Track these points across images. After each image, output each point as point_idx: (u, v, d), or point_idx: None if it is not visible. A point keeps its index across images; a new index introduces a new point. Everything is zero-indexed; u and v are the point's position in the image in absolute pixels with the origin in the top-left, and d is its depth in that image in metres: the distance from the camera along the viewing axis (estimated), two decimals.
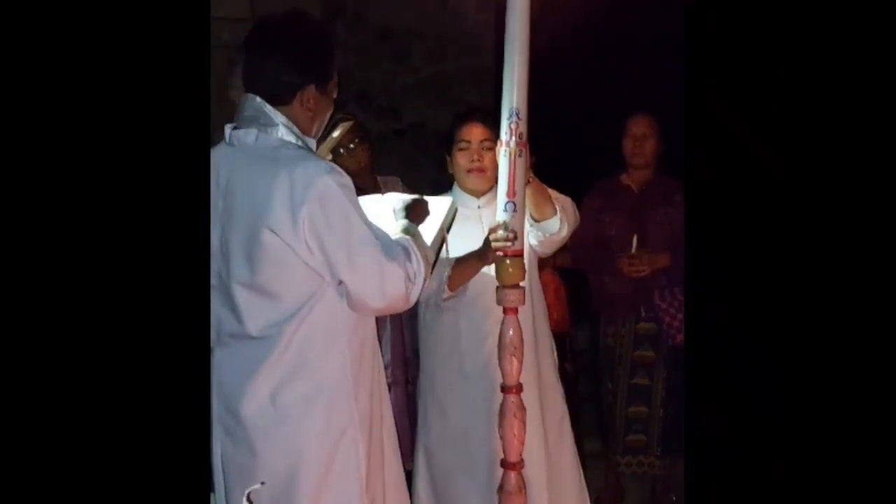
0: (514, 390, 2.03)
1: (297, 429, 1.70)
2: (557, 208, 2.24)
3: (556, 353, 2.48)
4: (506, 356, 2.03)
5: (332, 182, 1.65)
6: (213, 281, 1.76)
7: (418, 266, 1.74)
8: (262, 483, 1.55)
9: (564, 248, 2.63)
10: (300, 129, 1.75)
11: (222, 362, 1.75)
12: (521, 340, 2.03)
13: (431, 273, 1.82)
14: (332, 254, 1.65)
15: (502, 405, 2.04)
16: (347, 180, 1.70)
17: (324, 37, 1.80)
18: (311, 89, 1.74)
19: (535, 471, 2.23)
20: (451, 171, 2.39)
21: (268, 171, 1.66)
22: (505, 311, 2.04)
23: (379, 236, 1.72)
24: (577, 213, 2.35)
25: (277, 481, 1.68)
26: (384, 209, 1.96)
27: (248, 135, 1.72)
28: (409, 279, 1.71)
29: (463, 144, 2.33)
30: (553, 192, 2.27)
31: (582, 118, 4.54)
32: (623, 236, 3.04)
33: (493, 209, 2.13)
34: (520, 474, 2.04)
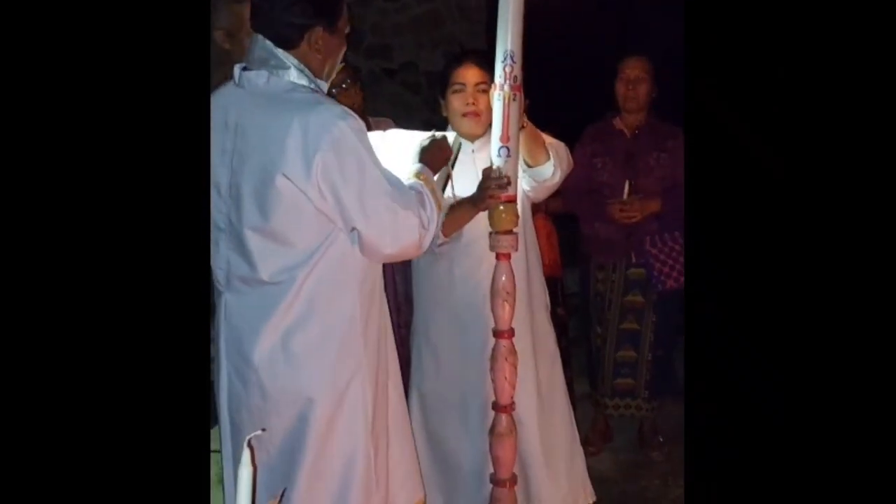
0: (505, 335, 2.06)
1: (308, 373, 1.73)
2: (551, 154, 2.23)
3: (548, 298, 2.49)
4: (498, 301, 2.04)
5: (346, 127, 1.64)
6: (223, 224, 1.76)
7: (431, 212, 1.75)
8: (263, 430, 1.58)
9: (557, 193, 2.62)
10: (311, 72, 1.73)
11: (233, 306, 1.77)
12: (514, 286, 2.05)
13: None
14: (346, 200, 1.66)
15: (494, 349, 2.06)
16: (361, 125, 1.69)
17: None
18: (318, 30, 1.72)
19: (526, 412, 2.27)
20: (444, 115, 2.37)
21: (280, 115, 1.65)
22: (498, 256, 2.05)
23: (392, 182, 1.72)
24: (570, 159, 2.34)
25: (288, 424, 1.73)
26: (388, 147, 1.94)
27: (259, 76, 1.70)
28: (422, 226, 1.73)
29: (457, 87, 2.29)
30: (546, 137, 2.25)
31: (575, 60, 4.49)
32: (615, 182, 3.03)
33: (487, 153, 2.12)
34: (511, 416, 2.08)
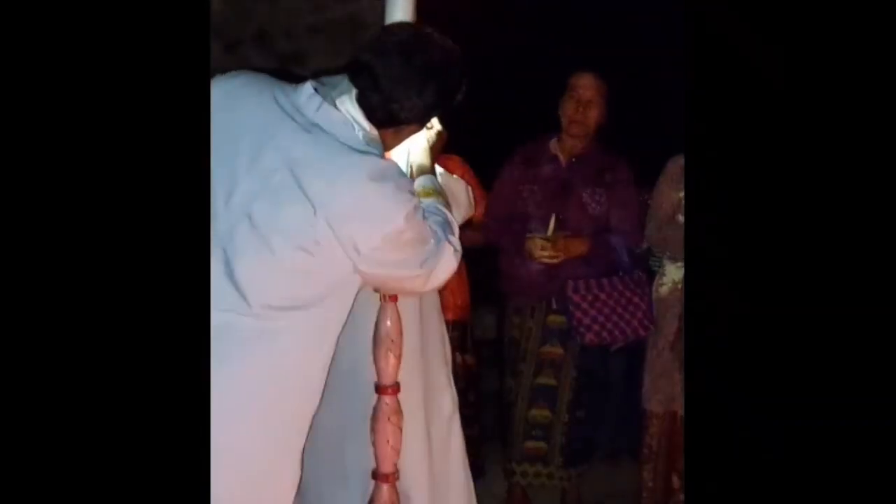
0: (389, 390, 2.00)
1: None
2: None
3: (448, 350, 2.41)
4: (381, 351, 1.99)
5: (410, 215, 1.72)
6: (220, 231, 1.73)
7: (455, 227, 1.90)
8: None
9: (469, 224, 2.56)
10: (379, 144, 1.80)
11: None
12: (401, 333, 2.00)
13: None
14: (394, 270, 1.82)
15: (375, 407, 2.00)
16: (417, 201, 1.78)
17: (460, 84, 1.82)
18: (413, 128, 1.83)
19: (414, 484, 2.19)
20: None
21: (344, 164, 1.69)
22: (383, 298, 2.00)
23: (429, 233, 1.81)
24: (472, 202, 2.28)
25: None
26: None
27: (343, 126, 1.73)
28: (456, 251, 1.86)
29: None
30: (447, 175, 2.20)
31: (513, 72, 4.45)
32: (541, 214, 2.97)
33: None
34: (394, 487, 2.02)
